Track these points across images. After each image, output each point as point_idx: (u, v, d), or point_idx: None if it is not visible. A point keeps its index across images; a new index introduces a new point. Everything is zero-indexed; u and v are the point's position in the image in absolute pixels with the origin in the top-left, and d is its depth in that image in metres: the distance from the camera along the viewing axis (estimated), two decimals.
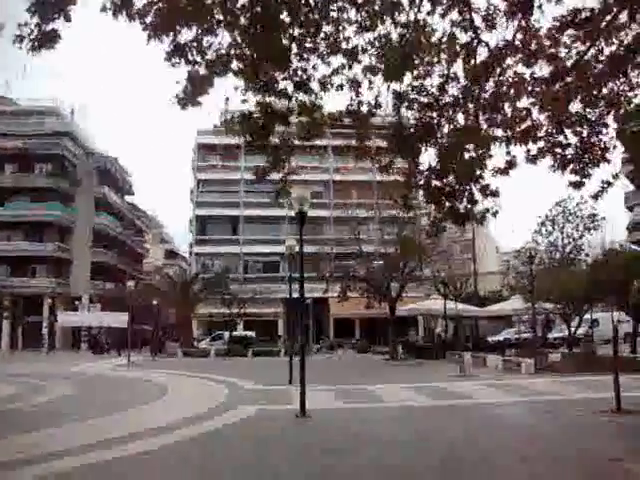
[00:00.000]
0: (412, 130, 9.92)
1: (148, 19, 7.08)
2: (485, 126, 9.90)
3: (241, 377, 20.69)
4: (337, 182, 58.14)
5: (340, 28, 8.36)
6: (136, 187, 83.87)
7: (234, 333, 42.14)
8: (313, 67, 8.84)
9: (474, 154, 9.54)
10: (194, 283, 45.65)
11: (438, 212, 10.69)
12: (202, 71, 8.00)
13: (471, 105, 9.84)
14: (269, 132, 9.00)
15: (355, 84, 9.24)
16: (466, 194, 10.28)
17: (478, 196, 10.14)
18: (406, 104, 9.66)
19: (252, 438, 9.84)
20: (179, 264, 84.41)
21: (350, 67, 9.03)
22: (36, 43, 6.32)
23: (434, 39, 8.79)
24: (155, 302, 44.76)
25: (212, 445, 9.22)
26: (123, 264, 65.88)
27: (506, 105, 9.49)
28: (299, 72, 8.80)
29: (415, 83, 9.56)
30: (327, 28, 8.32)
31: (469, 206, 10.30)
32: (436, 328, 43.55)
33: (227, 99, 8.61)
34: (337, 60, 8.98)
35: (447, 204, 10.46)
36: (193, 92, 7.93)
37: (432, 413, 12.69)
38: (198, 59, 7.94)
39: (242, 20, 7.66)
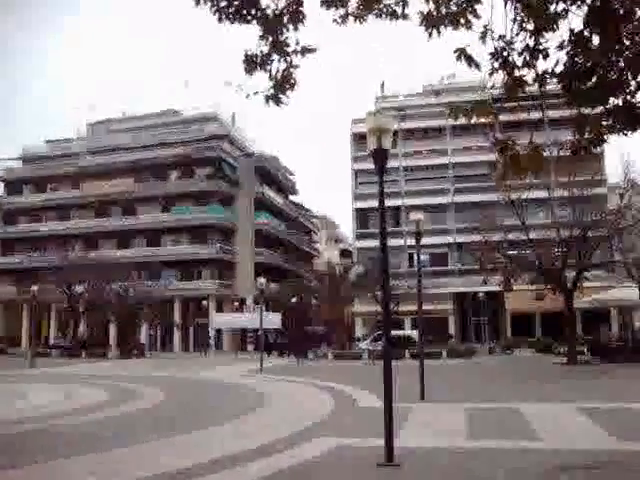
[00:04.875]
0: None
1: None
2: None
3: (369, 388, 16.50)
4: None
5: None
6: (304, 188, 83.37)
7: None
8: None
9: None
10: (343, 280, 42.30)
11: (592, 111, 6.05)
12: None
13: None
14: None
15: None
16: None
17: None
18: None
19: None
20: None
21: None
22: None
23: None
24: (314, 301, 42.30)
25: None
26: (289, 264, 64.69)
27: None
28: None
29: None
30: None
31: None
32: (635, 323, 35.65)
33: None
34: None
35: (610, 99, 5.85)
36: None
37: (623, 470, 6.98)
38: None
39: None
